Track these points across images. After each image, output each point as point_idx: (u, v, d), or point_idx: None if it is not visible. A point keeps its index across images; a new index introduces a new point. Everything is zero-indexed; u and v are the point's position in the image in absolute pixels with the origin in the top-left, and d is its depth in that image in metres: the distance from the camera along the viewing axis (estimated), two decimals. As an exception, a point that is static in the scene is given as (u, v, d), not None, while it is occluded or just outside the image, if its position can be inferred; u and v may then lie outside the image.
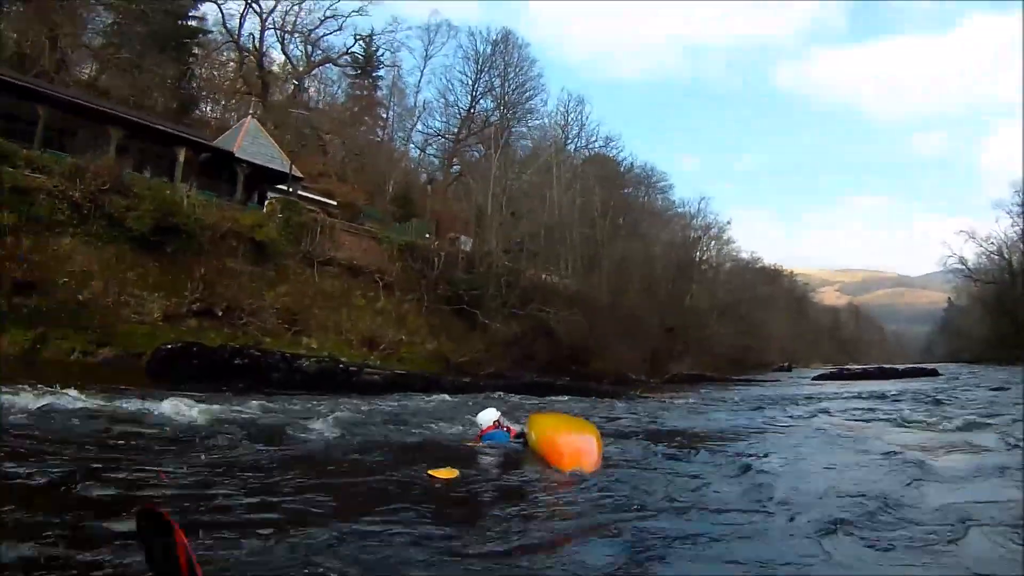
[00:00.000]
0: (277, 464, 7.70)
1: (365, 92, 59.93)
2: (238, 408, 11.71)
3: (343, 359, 22.59)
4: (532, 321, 33.79)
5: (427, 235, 35.27)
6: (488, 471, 8.37)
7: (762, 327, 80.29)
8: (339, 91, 59.89)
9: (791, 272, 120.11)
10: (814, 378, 48.22)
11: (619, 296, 43.27)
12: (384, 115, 61.08)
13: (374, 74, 61.37)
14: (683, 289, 57.76)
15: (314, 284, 28.54)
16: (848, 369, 55.57)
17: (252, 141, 32.90)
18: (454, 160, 59.23)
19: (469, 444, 9.99)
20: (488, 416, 10.34)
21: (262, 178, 32.98)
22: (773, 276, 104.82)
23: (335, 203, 37.39)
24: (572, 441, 8.70)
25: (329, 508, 5.80)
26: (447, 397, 17.36)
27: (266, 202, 30.17)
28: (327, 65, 55.30)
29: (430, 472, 7.20)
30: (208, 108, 49.62)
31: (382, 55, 60.43)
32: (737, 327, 68.17)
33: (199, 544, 4.09)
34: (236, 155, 31.70)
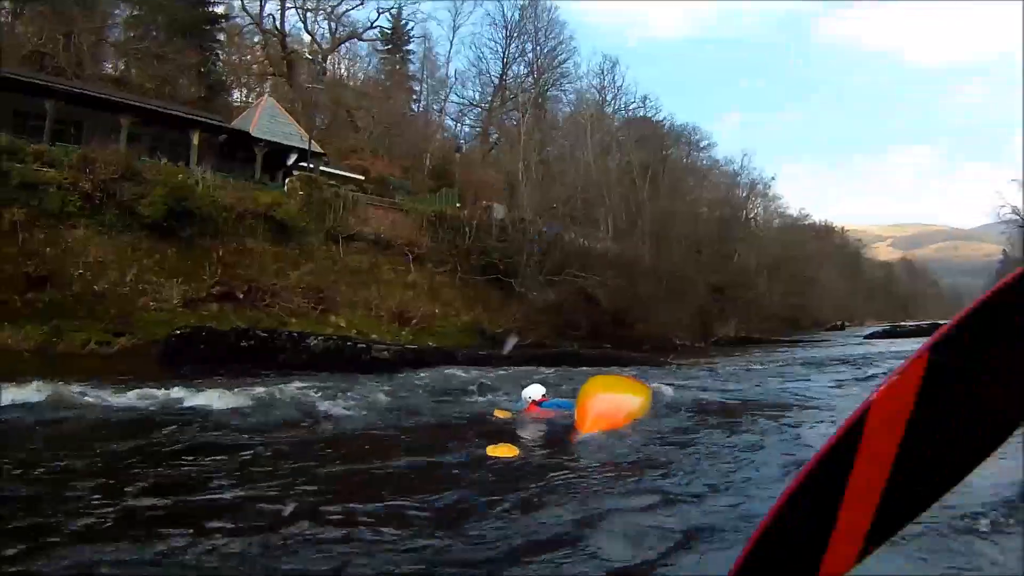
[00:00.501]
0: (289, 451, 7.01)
1: (397, 67, 58.93)
2: (239, 392, 10.50)
3: (353, 336, 21.53)
4: (571, 287, 32.27)
5: (457, 204, 33.97)
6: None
7: (815, 285, 78.10)
8: (370, 67, 58.91)
9: (843, 228, 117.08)
10: (866, 336, 46.14)
11: (662, 258, 41.63)
12: (417, 88, 60.03)
13: (404, 48, 60.83)
14: (729, 248, 55.76)
15: (340, 261, 27.54)
16: (901, 326, 52.61)
17: (270, 120, 31.96)
18: (490, 129, 58.02)
19: (509, 417, 9.22)
20: (537, 390, 9.58)
21: (283, 157, 31.89)
22: (824, 233, 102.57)
23: (363, 177, 36.30)
24: (603, 401, 8.46)
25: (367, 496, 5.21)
26: (460, 373, 15.82)
27: (287, 180, 29.01)
28: (354, 41, 54.25)
29: (488, 450, 6.79)
30: (238, 94, 49.08)
31: (410, 28, 59.99)
32: (788, 286, 66.13)
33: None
34: (252, 134, 30.73)
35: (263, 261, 25.38)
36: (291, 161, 31.88)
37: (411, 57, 60.79)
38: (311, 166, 31.61)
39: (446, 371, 15.76)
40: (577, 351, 22.76)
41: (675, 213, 46.88)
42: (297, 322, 23.85)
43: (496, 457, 6.53)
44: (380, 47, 59.16)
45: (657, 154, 54.84)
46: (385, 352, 17.49)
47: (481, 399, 11.49)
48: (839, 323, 72.52)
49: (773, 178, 77.58)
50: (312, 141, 32.59)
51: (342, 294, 26.55)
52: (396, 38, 59.44)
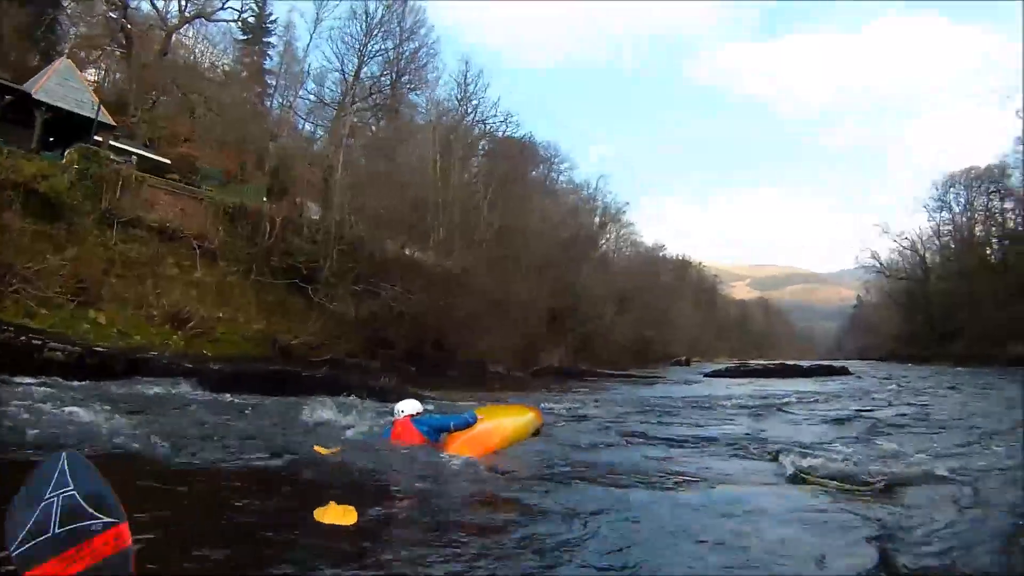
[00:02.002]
0: None
1: (254, 57, 55.44)
2: None
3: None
4: (389, 300, 29.63)
5: (264, 199, 30.75)
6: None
7: (666, 318, 78.18)
8: (226, 56, 55.04)
9: (699, 263, 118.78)
10: (707, 374, 43.90)
11: (498, 277, 39.50)
12: (271, 83, 56.49)
13: (264, 40, 57.52)
14: (575, 273, 54.09)
15: (114, 248, 24.13)
16: (746, 365, 50.96)
17: (60, 83, 28.25)
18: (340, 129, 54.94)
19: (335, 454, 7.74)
20: (412, 405, 8.84)
21: (76, 127, 28.23)
22: (680, 267, 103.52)
23: (169, 161, 32.79)
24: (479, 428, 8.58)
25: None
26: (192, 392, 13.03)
27: (66, 152, 25.49)
28: (209, 28, 50.51)
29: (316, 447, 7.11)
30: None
31: (274, 20, 57.03)
32: (639, 317, 65.62)
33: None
34: (34, 96, 27.07)
35: (21, 241, 21.91)
36: (96, 134, 28.38)
37: (270, 51, 57.47)
38: (98, 139, 28.06)
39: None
40: (299, 372, 19.56)
41: (518, 230, 44.98)
42: (46, 314, 20.61)
43: (330, 524, 5.01)
44: (239, 36, 55.76)
45: (512, 170, 53.21)
46: (59, 353, 14.43)
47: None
48: (684, 359, 72.07)
49: (627, 204, 76.76)
50: (103, 111, 28.98)
51: (111, 287, 23.18)
52: (258, 29, 56.27)
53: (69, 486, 2.95)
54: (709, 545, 4.99)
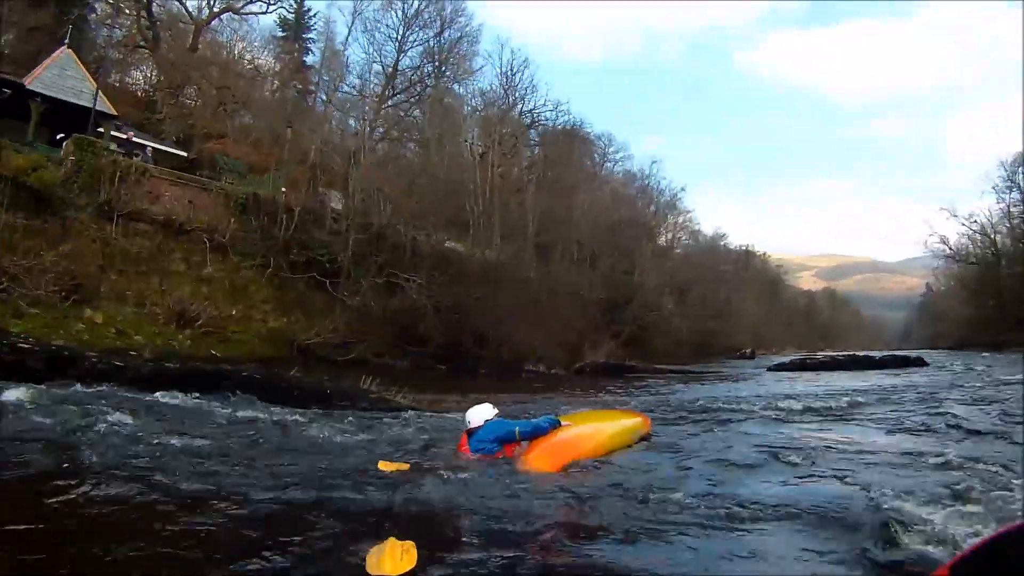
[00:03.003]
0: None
1: (294, 55, 53.92)
2: None
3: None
4: (416, 293, 27.07)
5: (283, 189, 28.33)
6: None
7: (729, 310, 74.85)
8: (266, 53, 53.59)
9: (763, 253, 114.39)
10: (770, 368, 38.55)
11: (544, 268, 36.83)
12: (315, 79, 54.81)
13: (304, 36, 56.15)
14: (629, 263, 51.12)
15: (113, 243, 22.13)
16: (812, 357, 44.82)
17: (59, 73, 26.46)
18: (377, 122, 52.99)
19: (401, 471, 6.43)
20: (483, 412, 7.71)
21: (79, 118, 26.30)
22: (744, 257, 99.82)
23: (185, 154, 30.81)
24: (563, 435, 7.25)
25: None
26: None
27: (64, 144, 23.54)
28: (248, 25, 49.28)
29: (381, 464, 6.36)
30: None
31: (314, 15, 55.86)
32: (700, 309, 62.82)
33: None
34: (28, 87, 25.26)
35: (13, 237, 20.09)
36: (101, 127, 26.55)
37: (312, 46, 55.92)
38: (101, 130, 26.08)
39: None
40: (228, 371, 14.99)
41: (564, 219, 42.32)
42: (38, 313, 18.76)
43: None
44: (279, 34, 54.59)
45: (559, 157, 50.66)
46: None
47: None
48: (748, 351, 68.14)
49: (683, 189, 73.01)
50: (104, 100, 27.10)
51: (111, 284, 21.38)
52: (296, 25, 55.13)
53: None
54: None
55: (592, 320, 39.89)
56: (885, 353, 46.75)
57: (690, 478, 6.36)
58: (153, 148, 28.93)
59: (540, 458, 6.68)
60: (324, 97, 51.09)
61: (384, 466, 6.32)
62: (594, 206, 49.79)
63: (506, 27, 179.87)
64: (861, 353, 46.44)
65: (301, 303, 25.67)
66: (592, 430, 7.69)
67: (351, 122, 48.35)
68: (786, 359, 44.04)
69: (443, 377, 22.91)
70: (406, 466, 6.39)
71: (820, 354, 49.89)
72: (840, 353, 47.80)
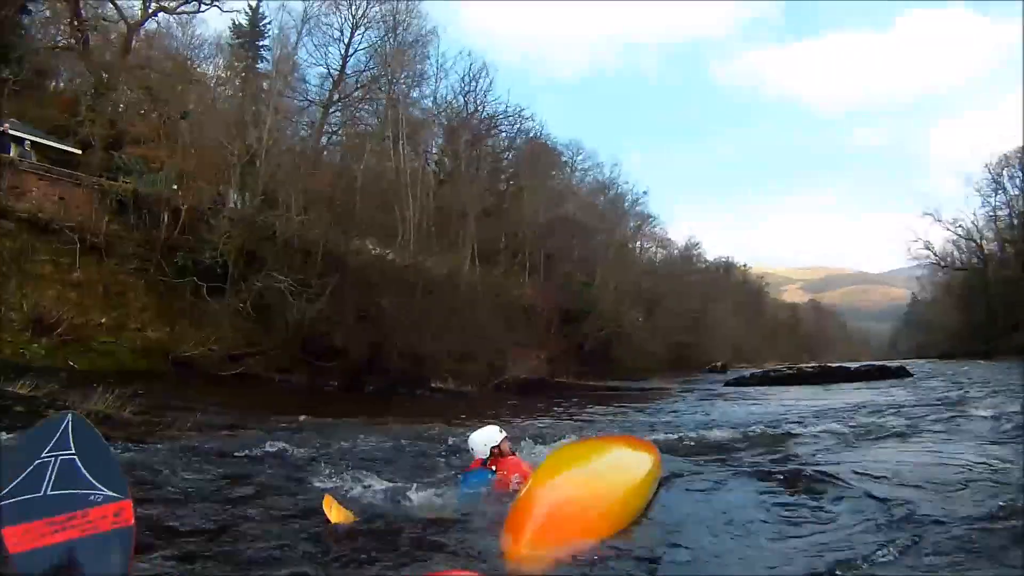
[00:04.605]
0: None
1: (247, 61, 51.78)
2: None
3: None
4: (327, 304, 24.17)
5: (175, 187, 25.36)
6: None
7: (704, 323, 73.00)
8: (219, 60, 51.61)
9: (744, 265, 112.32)
10: (729, 383, 36.28)
11: (484, 278, 34.19)
12: (265, 86, 52.52)
13: (258, 44, 53.94)
14: (589, 273, 48.40)
15: (-35, 244, 19.44)
16: (777, 370, 40.56)
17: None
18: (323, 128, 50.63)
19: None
20: (483, 437, 6.54)
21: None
22: (723, 269, 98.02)
23: (79, 151, 28.03)
24: (557, 491, 4.75)
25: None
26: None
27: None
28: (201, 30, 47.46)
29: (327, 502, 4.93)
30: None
31: (268, 21, 53.17)
32: (673, 322, 60.92)
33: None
34: None
35: None
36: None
37: (267, 53, 53.70)
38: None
39: None
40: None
41: (519, 226, 39.89)
42: None
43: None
44: (232, 41, 52.78)
45: (520, 166, 48.46)
46: None
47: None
48: (719, 364, 65.65)
49: (645, 193, 70.53)
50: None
51: (-45, 289, 18.64)
52: (252, 30, 53.29)
53: (70, 449, 2.65)
54: None
55: (539, 333, 37.35)
56: (863, 364, 43.33)
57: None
58: (34, 142, 26.32)
59: (535, 537, 4.18)
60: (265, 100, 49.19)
61: (329, 508, 4.91)
62: (551, 212, 47.25)
63: (483, 47, 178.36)
64: (835, 364, 43.64)
65: (189, 312, 23.04)
66: (594, 487, 5.08)
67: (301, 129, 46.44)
68: (747, 373, 40.99)
69: (322, 395, 20.11)
70: (353, 517, 4.98)
71: (784, 366, 46.13)
72: (809, 365, 44.23)
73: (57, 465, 2.60)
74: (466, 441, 6.95)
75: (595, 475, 5.49)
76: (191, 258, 23.00)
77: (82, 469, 2.63)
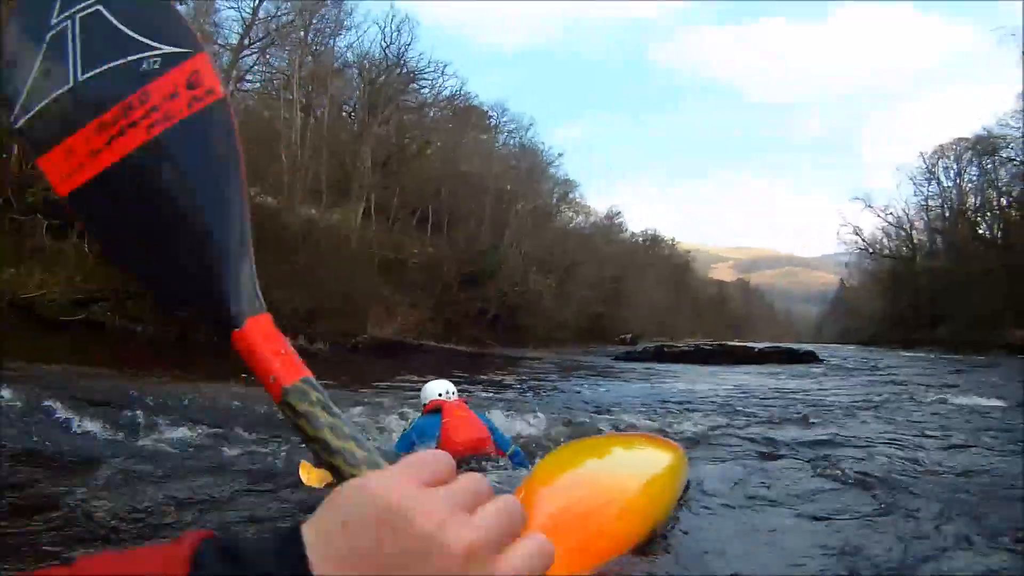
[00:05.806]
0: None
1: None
2: None
3: None
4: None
5: None
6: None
7: (622, 294, 73.76)
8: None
9: (672, 239, 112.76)
10: (618, 357, 34.70)
11: (367, 233, 33.55)
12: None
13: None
14: (497, 234, 47.73)
15: None
16: (674, 346, 38.59)
17: None
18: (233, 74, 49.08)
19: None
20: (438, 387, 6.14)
21: None
22: (649, 242, 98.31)
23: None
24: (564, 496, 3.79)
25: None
26: None
27: None
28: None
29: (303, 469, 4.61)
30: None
31: None
32: (587, 291, 60.98)
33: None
34: None
35: None
36: None
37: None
38: None
39: None
40: None
41: (421, 181, 39.35)
42: None
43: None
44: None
45: (437, 124, 47.86)
46: None
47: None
48: (628, 337, 65.72)
49: (560, 155, 70.24)
50: None
51: None
52: None
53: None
54: None
55: (435, 295, 36.88)
56: (769, 345, 41.25)
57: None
58: None
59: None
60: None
61: (306, 473, 4.66)
62: (462, 170, 46.60)
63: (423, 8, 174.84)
64: (739, 344, 43.42)
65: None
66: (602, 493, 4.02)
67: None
68: (639, 348, 40.38)
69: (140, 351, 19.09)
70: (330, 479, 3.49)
71: (683, 343, 45.49)
72: (708, 343, 43.85)
73: (77, 29, 1.22)
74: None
75: (602, 478, 4.48)
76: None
77: (116, 24, 1.21)
